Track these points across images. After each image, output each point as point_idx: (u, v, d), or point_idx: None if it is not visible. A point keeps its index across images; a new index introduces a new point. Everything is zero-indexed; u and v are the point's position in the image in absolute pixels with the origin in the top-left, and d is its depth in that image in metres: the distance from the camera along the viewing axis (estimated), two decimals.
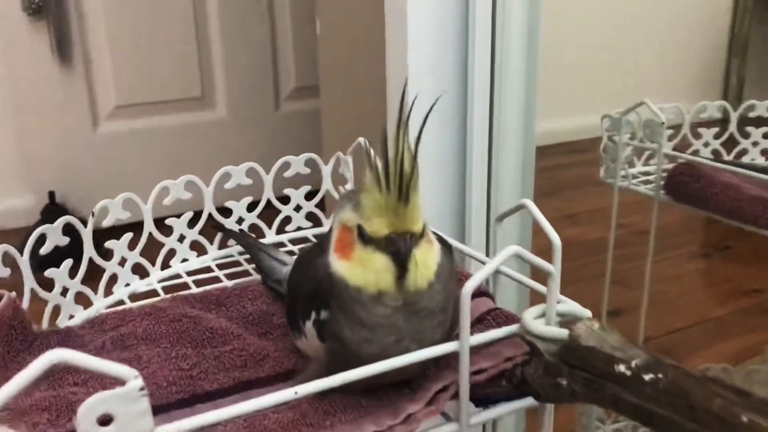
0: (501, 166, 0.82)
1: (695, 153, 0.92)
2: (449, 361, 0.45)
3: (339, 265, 0.40)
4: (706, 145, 0.92)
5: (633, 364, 0.35)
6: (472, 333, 0.44)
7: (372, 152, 0.38)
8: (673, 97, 0.99)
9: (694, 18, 2.70)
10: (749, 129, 0.93)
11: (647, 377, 0.34)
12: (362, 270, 0.39)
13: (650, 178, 0.88)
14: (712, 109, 0.92)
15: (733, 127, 0.92)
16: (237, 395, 0.45)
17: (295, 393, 0.36)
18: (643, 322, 0.95)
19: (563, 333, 0.39)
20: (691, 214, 0.88)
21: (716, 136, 0.92)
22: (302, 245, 0.71)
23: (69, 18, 1.71)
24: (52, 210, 1.69)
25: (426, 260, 0.39)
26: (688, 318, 1.42)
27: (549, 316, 0.43)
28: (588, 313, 0.43)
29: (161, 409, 0.44)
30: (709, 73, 2.75)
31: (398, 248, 0.38)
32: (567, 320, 0.45)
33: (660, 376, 0.34)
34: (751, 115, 0.93)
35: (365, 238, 0.39)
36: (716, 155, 0.93)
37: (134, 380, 0.32)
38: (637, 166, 0.91)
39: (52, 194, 1.74)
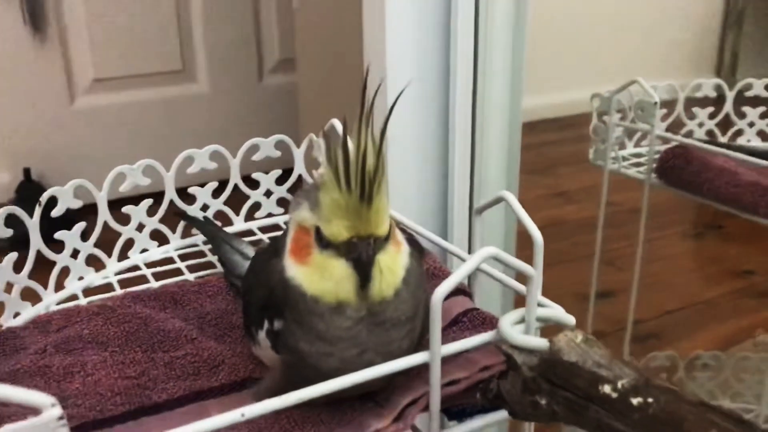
0: (485, 145, 0.78)
1: (689, 134, 0.88)
2: (419, 369, 0.42)
3: (295, 270, 0.36)
4: (700, 125, 0.88)
5: (619, 384, 0.31)
6: (445, 337, 0.40)
7: (333, 142, 0.33)
8: (665, 72, 0.95)
9: None
10: (745, 109, 0.89)
11: (635, 401, 0.30)
12: (320, 277, 0.35)
13: (642, 160, 0.84)
14: (707, 87, 0.87)
15: (728, 107, 0.88)
16: (187, 407, 0.41)
17: (242, 415, 0.32)
18: (633, 305, 0.92)
19: (543, 343, 0.35)
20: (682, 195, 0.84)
21: (711, 116, 0.88)
22: (273, 234, 0.66)
23: None
24: (28, 187, 1.63)
25: (392, 265, 0.35)
26: (679, 300, 1.39)
27: (528, 322, 0.39)
28: (572, 320, 0.39)
29: (103, 423, 0.40)
30: (702, 48, 2.70)
31: (359, 254, 0.33)
32: (549, 326, 0.41)
33: (650, 400, 0.30)
34: (748, 94, 0.88)
35: (324, 242, 0.34)
36: (711, 136, 0.89)
37: (51, 409, 0.28)
38: (629, 147, 0.87)
39: (27, 171, 1.68)
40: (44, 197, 0.53)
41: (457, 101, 0.74)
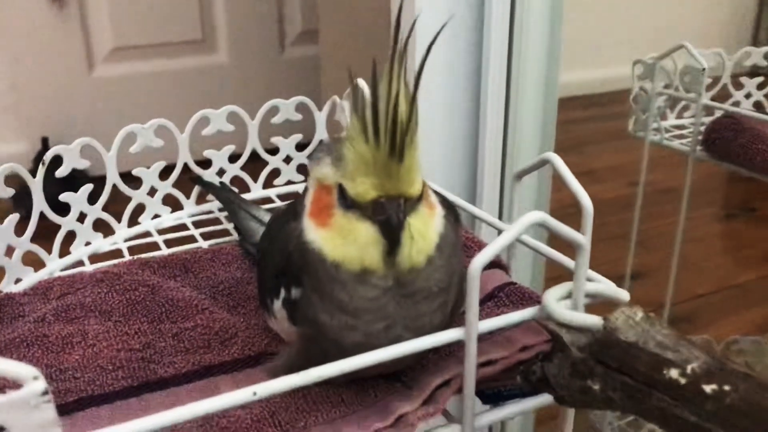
0: (519, 117, 0.73)
1: (735, 105, 0.82)
2: (451, 347, 0.38)
3: (314, 233, 0.32)
4: (747, 96, 0.83)
5: (689, 369, 0.27)
6: (481, 314, 0.36)
7: (363, 93, 0.29)
8: (700, 46, 0.89)
9: None
10: None
11: (708, 389, 0.26)
12: (343, 241, 0.31)
13: (684, 132, 0.79)
14: (756, 56, 0.82)
15: None
16: (196, 383, 0.37)
17: (254, 394, 0.29)
18: (672, 287, 0.87)
19: (596, 321, 0.31)
20: (715, 172, 0.80)
21: (760, 87, 0.83)
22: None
23: None
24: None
25: (424, 230, 0.31)
26: (712, 283, 1.34)
27: (576, 298, 0.35)
28: (626, 295, 0.35)
29: (103, 399, 0.36)
30: (739, 23, 2.61)
31: (388, 216, 0.29)
32: (597, 303, 0.37)
33: (726, 388, 0.26)
34: None
35: (347, 202, 0.30)
36: (758, 108, 0.83)
37: (33, 383, 0.24)
38: (669, 118, 0.82)
39: (45, 140, 1.66)
40: (48, 155, 0.50)
41: (491, 71, 0.69)
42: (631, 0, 2.34)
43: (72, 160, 0.52)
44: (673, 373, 0.27)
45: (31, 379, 0.24)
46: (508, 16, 0.68)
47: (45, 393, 0.24)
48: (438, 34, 0.29)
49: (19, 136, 1.70)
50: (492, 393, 0.37)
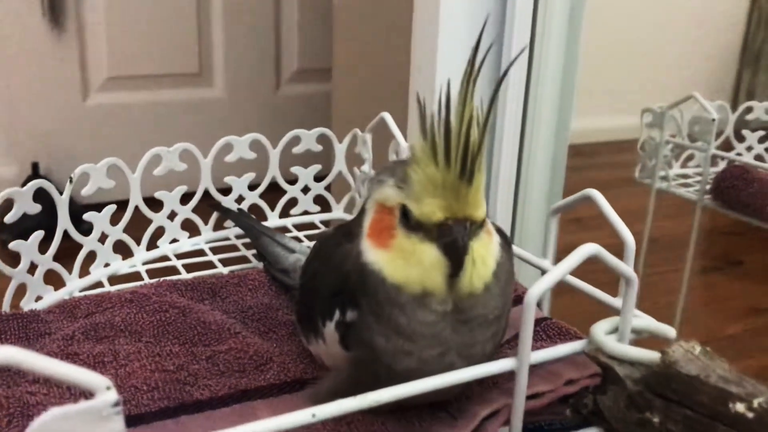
0: (531, 162, 0.74)
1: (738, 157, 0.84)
2: (495, 379, 0.38)
3: (374, 254, 0.32)
4: (749, 149, 0.85)
5: (755, 403, 0.27)
6: (516, 348, 0.36)
7: (429, 115, 0.29)
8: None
9: (705, 28, 2.62)
10: None
11: None
12: (404, 263, 0.31)
13: (690, 181, 0.81)
14: (759, 110, 0.84)
15: None
16: (233, 407, 0.37)
17: (313, 416, 0.28)
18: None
19: (653, 356, 0.31)
20: (703, 226, 0.81)
21: (761, 140, 0.85)
22: (308, 232, 0.62)
23: None
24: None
25: (485, 256, 0.31)
26: (700, 335, 1.34)
27: (623, 332, 0.35)
28: (672, 331, 0.35)
29: (139, 420, 0.35)
30: (718, 84, 2.68)
31: (455, 239, 0.29)
32: (641, 339, 0.37)
33: None
34: None
35: (411, 223, 0.30)
36: (760, 160, 0.85)
37: (106, 392, 0.24)
38: (675, 167, 0.84)
39: (35, 166, 1.64)
40: (76, 172, 0.49)
41: (506, 120, 0.71)
42: (617, 58, 2.39)
43: (98, 180, 0.51)
44: (740, 407, 0.27)
45: (104, 389, 0.24)
46: (526, 68, 0.69)
47: (117, 404, 0.24)
48: (511, 64, 0.30)
49: (9, 160, 1.68)
50: (533, 427, 0.36)
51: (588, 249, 0.32)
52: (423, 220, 0.30)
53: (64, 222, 0.49)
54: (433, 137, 0.29)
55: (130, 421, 0.35)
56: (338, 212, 0.65)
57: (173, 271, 0.54)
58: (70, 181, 0.49)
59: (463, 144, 0.28)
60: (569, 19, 0.72)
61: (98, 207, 0.51)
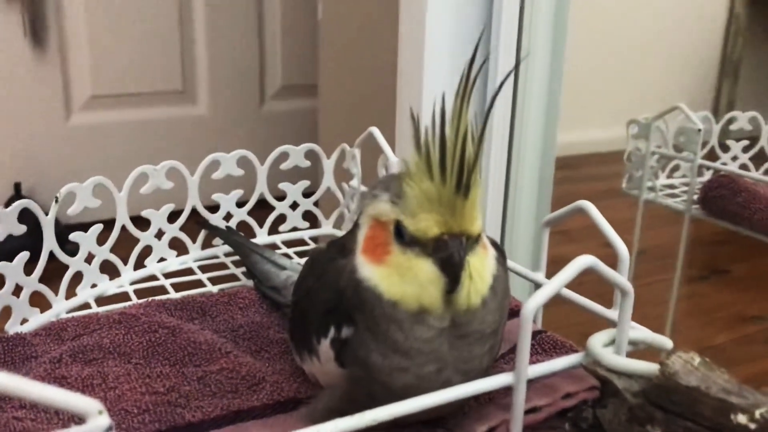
0: (519, 175, 0.74)
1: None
2: (492, 394, 0.37)
3: (369, 270, 0.31)
4: (734, 158, 0.85)
5: (757, 414, 0.27)
6: (510, 362, 0.36)
7: (422, 129, 0.29)
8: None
9: (686, 41, 2.65)
10: None
11: None
12: (400, 279, 0.30)
13: (676, 191, 0.81)
14: (742, 120, 0.85)
15: (764, 141, 0.85)
16: (225, 429, 0.36)
17: None
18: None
19: (651, 368, 0.31)
20: (689, 236, 0.81)
21: (745, 150, 0.85)
22: (298, 248, 0.62)
23: None
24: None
25: (482, 270, 0.31)
26: (689, 345, 1.34)
27: (620, 344, 0.34)
28: (669, 343, 0.35)
29: None
30: (700, 95, 2.70)
31: (451, 254, 0.29)
32: (637, 350, 0.37)
33: None
34: None
35: (406, 239, 0.30)
36: (744, 170, 0.85)
37: (98, 417, 0.23)
38: (661, 178, 0.84)
39: (18, 186, 1.63)
40: (62, 192, 0.48)
41: (494, 134, 0.71)
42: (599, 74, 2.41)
43: (84, 199, 0.50)
44: (741, 418, 0.27)
45: (96, 413, 0.23)
46: (512, 82, 0.69)
47: (110, 429, 0.23)
48: (506, 78, 0.30)
49: None
50: None
51: (584, 261, 0.32)
52: (418, 236, 0.29)
53: (49, 243, 0.48)
54: (428, 151, 0.28)
55: None
56: (327, 228, 0.65)
57: (161, 290, 0.53)
58: (56, 201, 0.48)
59: (459, 158, 0.28)
60: (553, 32, 0.72)
61: (83, 227, 0.51)
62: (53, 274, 0.50)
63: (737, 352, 1.34)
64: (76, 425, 0.23)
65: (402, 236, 0.30)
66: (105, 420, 0.23)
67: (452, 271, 0.29)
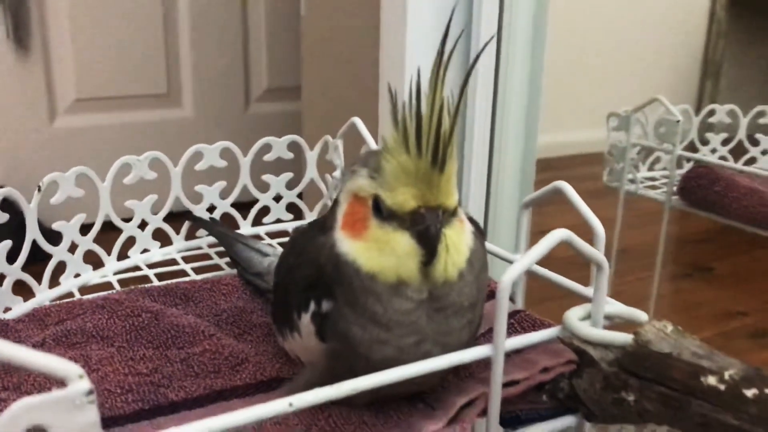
0: (501, 174, 0.75)
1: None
2: (471, 369, 0.38)
3: (348, 245, 0.32)
4: (713, 151, 0.86)
5: (726, 375, 0.27)
6: (491, 341, 0.36)
7: (399, 105, 0.30)
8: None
9: (668, 42, 2.68)
10: (759, 136, 0.87)
11: (750, 393, 0.26)
12: (378, 252, 0.31)
13: (657, 183, 0.82)
14: (721, 113, 0.86)
15: (742, 134, 0.86)
16: (208, 407, 0.36)
17: (290, 405, 0.28)
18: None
19: (625, 338, 0.31)
20: (673, 234, 0.82)
21: (724, 143, 0.86)
22: (282, 239, 0.62)
23: (28, 0, 1.60)
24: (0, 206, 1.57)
25: (458, 243, 0.31)
26: None
27: (596, 318, 0.35)
28: (644, 316, 0.36)
29: (114, 421, 0.35)
30: (682, 96, 2.73)
31: (428, 226, 0.29)
32: (612, 325, 0.38)
33: None
34: (761, 121, 0.87)
35: (384, 213, 0.30)
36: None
37: (78, 381, 0.23)
38: (642, 170, 0.85)
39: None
40: (45, 181, 0.49)
41: (476, 135, 0.72)
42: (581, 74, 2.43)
43: (67, 189, 0.51)
44: (711, 380, 0.27)
45: (77, 377, 0.23)
46: (494, 60, 0.70)
47: (90, 393, 0.23)
48: (481, 51, 0.30)
49: None
50: (510, 417, 0.36)
51: (559, 234, 0.33)
52: (396, 209, 0.30)
53: (32, 232, 0.48)
54: (405, 126, 0.29)
55: (105, 423, 0.35)
56: (311, 219, 0.65)
57: (145, 280, 0.54)
58: (39, 190, 0.48)
59: (435, 131, 0.29)
60: (534, 15, 0.73)
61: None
62: (37, 264, 0.50)
63: (722, 347, 1.35)
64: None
65: (380, 211, 0.31)
66: (85, 384, 0.23)
67: (429, 243, 0.30)
